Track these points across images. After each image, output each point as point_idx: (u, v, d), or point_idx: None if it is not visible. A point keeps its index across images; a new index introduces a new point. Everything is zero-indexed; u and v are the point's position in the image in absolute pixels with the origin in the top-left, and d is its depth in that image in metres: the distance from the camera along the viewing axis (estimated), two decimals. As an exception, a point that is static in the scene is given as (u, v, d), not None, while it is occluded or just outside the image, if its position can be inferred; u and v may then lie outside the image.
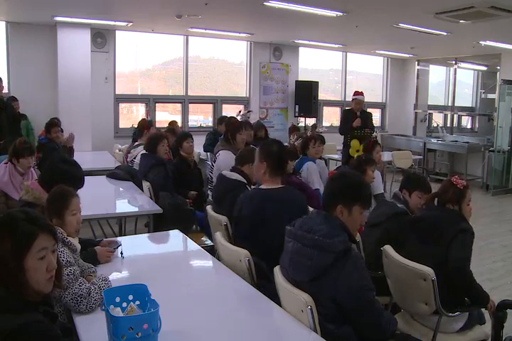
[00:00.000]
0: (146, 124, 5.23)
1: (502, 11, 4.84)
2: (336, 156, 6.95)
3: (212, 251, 2.73)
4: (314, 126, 7.36)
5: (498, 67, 8.63)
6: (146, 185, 3.89)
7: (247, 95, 8.56)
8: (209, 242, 3.45)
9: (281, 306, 1.90)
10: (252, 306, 1.97)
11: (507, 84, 7.84)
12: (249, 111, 7.36)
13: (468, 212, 2.42)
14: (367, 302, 1.75)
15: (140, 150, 4.57)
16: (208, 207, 3.10)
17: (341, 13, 5.41)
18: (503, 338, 2.31)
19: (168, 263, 2.42)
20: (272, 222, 2.37)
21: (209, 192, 4.24)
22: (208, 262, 2.46)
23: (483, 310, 2.40)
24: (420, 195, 2.76)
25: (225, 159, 4.11)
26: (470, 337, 2.31)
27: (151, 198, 3.71)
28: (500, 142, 7.91)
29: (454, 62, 9.43)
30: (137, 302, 1.63)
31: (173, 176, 4.17)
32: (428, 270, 2.14)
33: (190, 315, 1.81)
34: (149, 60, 8.04)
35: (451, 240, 2.27)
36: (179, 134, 4.89)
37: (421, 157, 8.53)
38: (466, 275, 2.28)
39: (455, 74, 9.57)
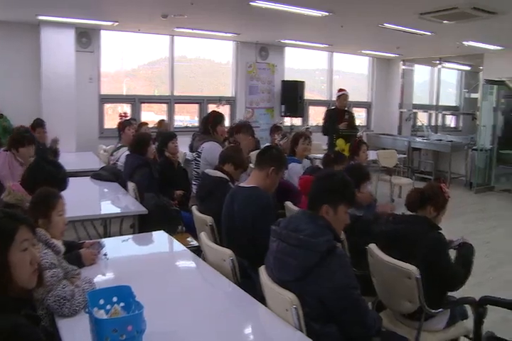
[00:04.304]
0: (121, 126, 5.15)
1: (483, 12, 4.92)
2: (321, 156, 6.95)
3: (198, 251, 2.72)
4: (306, 129, 7.29)
5: (481, 67, 8.75)
6: (131, 185, 3.86)
7: (233, 95, 8.55)
8: (195, 243, 3.43)
9: (266, 306, 1.91)
10: (237, 306, 1.97)
11: (489, 84, 7.97)
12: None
13: (439, 221, 2.44)
14: (352, 300, 1.77)
15: (123, 152, 4.53)
16: (194, 208, 3.09)
17: (327, 13, 5.44)
18: (483, 333, 2.35)
19: (153, 264, 2.41)
20: (237, 219, 2.51)
21: (194, 190, 4.24)
22: (193, 263, 2.45)
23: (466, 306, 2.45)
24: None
25: (210, 149, 4.16)
26: (452, 333, 2.35)
27: (136, 199, 3.69)
28: (483, 141, 8.04)
29: (438, 62, 9.55)
30: (122, 304, 1.62)
31: (159, 176, 4.14)
32: (412, 268, 2.16)
33: (175, 315, 1.80)
34: (135, 59, 7.97)
35: (428, 253, 2.23)
36: (164, 134, 4.85)
37: (406, 156, 8.60)
38: (458, 280, 2.35)
39: (439, 73, 9.69)
